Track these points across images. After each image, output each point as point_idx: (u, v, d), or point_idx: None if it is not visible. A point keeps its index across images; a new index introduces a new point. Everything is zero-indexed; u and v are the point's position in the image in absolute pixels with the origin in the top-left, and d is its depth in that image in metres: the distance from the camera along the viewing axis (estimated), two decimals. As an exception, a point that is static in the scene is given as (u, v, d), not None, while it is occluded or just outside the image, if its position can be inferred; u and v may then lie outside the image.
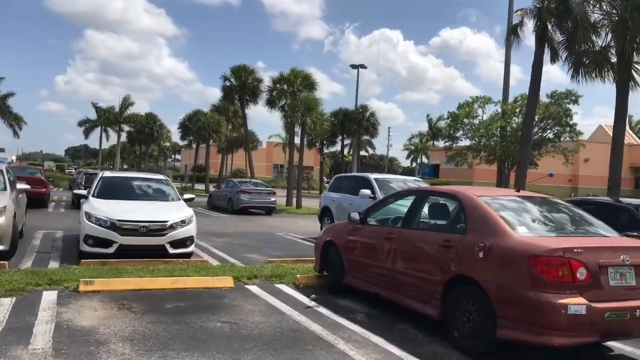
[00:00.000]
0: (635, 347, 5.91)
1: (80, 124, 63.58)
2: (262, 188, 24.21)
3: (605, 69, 14.27)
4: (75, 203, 20.01)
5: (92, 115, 61.83)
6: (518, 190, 6.19)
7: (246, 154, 35.62)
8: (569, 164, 31.67)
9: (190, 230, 9.83)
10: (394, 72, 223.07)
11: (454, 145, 34.80)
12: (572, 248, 4.80)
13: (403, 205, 6.97)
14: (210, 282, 7.79)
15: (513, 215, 5.69)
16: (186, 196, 11.32)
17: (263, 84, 33.51)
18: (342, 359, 5.01)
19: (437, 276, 5.78)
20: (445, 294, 5.67)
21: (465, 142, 34.09)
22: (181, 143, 68.09)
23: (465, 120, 32.39)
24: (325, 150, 66.76)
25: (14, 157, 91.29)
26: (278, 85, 30.00)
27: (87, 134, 64.81)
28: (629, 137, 55.66)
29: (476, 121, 32.27)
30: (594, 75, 14.56)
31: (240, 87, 34.18)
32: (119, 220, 9.19)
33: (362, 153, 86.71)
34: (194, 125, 42.08)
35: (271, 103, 29.69)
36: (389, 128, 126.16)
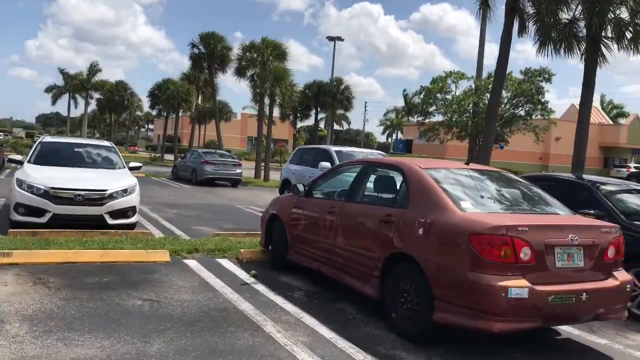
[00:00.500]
0: (583, 331, 5.61)
1: (48, 90, 61.67)
2: (228, 159, 23.54)
3: (575, 43, 13.87)
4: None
5: (61, 81, 59.98)
6: (467, 163, 5.76)
7: (216, 125, 34.68)
8: (539, 141, 31.60)
9: (132, 200, 9.25)
10: (374, 47, 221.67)
11: (427, 120, 34.48)
12: (516, 226, 4.39)
13: (349, 178, 6.50)
14: (144, 255, 7.27)
15: (459, 189, 5.26)
16: (132, 164, 10.68)
17: (232, 53, 32.48)
18: (265, 342, 4.56)
19: (376, 253, 5.36)
20: (384, 273, 5.26)
21: (438, 118, 33.83)
22: (154, 112, 66.66)
23: (439, 96, 32.06)
24: (301, 124, 66.03)
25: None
26: (248, 54, 29.03)
27: (54, 100, 62.93)
28: (600, 117, 56.21)
29: (449, 96, 31.99)
30: (562, 50, 14.15)
31: (209, 55, 33.05)
32: (52, 188, 8.55)
33: (338, 128, 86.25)
34: (162, 94, 40.90)
35: (240, 72, 28.74)
36: (365, 103, 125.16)
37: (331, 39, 46.07)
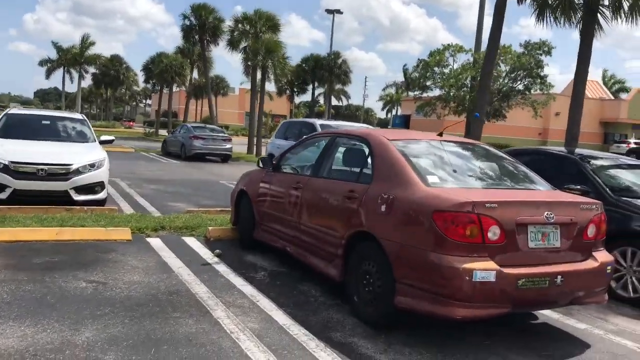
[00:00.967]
0: (563, 314, 5.22)
1: (42, 63, 60.58)
2: (217, 134, 23.03)
3: (572, 13, 13.24)
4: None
5: (56, 55, 58.95)
6: (440, 134, 5.30)
7: (208, 99, 34.05)
8: (538, 116, 30.95)
9: (100, 175, 8.81)
10: (376, 21, 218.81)
11: (424, 95, 33.78)
12: (484, 202, 3.96)
13: (318, 151, 6.05)
14: (103, 233, 6.87)
15: (428, 163, 4.83)
16: (104, 137, 10.20)
17: (225, 25, 31.69)
18: (209, 329, 4.18)
19: (340, 232, 4.95)
20: (347, 253, 4.86)
21: (436, 93, 33.12)
22: (150, 87, 65.74)
23: (436, 69, 31.35)
24: (299, 99, 65.25)
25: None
26: (240, 26, 28.32)
27: (48, 74, 61.94)
28: (601, 92, 55.43)
29: (447, 70, 31.27)
30: (560, 19, 13.55)
31: (200, 27, 32.23)
32: (12, 162, 8.11)
33: (338, 103, 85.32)
34: (156, 68, 40.15)
35: (232, 44, 28.05)
36: (365, 78, 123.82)
37: (330, 11, 45.22)
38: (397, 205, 4.32)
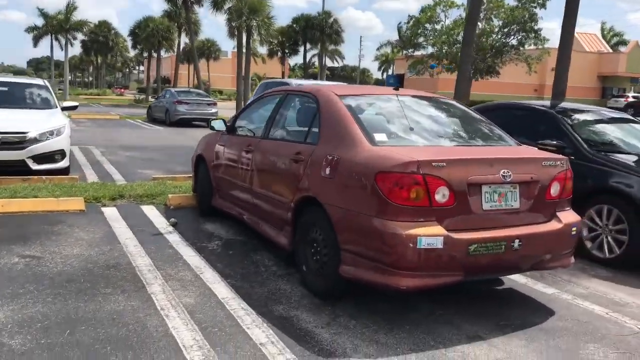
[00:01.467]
0: (531, 279, 4.91)
1: (28, 30, 59.15)
2: (202, 98, 22.48)
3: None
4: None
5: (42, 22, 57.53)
6: (397, 89, 4.88)
7: (194, 64, 33.29)
8: (532, 72, 30.20)
9: (60, 142, 8.41)
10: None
11: (415, 53, 32.96)
12: (431, 162, 3.57)
13: (271, 110, 5.63)
14: (54, 204, 6.51)
15: (380, 120, 4.43)
16: (66, 104, 9.76)
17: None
18: (139, 307, 3.85)
19: (288, 197, 4.59)
20: (296, 220, 4.51)
21: (430, 51, 32.26)
22: (144, 53, 64.40)
23: (427, 26, 30.51)
24: (293, 62, 64.02)
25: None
26: (224, -15, 27.42)
27: (36, 42, 60.53)
28: (600, 45, 54.36)
29: (439, 27, 30.42)
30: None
31: (184, -13, 31.35)
32: (-37, 132, 7.72)
33: (333, 64, 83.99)
34: (142, 32, 39.17)
35: (216, 4, 27.19)
36: (360, 38, 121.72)
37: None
38: (340, 167, 3.94)
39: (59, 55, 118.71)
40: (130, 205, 6.96)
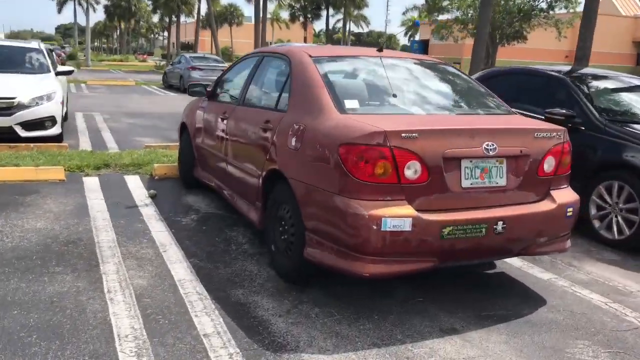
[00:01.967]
0: (527, 262, 4.46)
1: (51, -4, 59.38)
2: (216, 64, 22.05)
3: None
4: None
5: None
6: (380, 50, 4.39)
7: (211, 29, 32.72)
8: (562, 37, 28.83)
9: (50, 108, 8.13)
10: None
11: (439, 17, 31.78)
12: (400, 132, 3.12)
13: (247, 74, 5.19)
14: (33, 173, 6.25)
15: (355, 85, 3.97)
16: (61, 68, 9.46)
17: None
18: (83, 288, 3.54)
19: (257, 171, 4.21)
20: (266, 195, 4.13)
21: (455, 15, 31.06)
22: (162, 18, 63.88)
23: (453, -12, 29.28)
24: (318, 28, 62.70)
25: (1, 35, 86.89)
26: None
27: (60, 8, 60.79)
28: (636, 9, 51.77)
29: (464, -11, 29.17)
30: None
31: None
32: (-52, 97, 7.48)
33: (359, 30, 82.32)
34: (161, -3, 38.69)
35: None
36: (387, 1, 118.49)
37: None
38: (305, 137, 3.53)
39: (84, 21, 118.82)
40: (114, 175, 6.67)
